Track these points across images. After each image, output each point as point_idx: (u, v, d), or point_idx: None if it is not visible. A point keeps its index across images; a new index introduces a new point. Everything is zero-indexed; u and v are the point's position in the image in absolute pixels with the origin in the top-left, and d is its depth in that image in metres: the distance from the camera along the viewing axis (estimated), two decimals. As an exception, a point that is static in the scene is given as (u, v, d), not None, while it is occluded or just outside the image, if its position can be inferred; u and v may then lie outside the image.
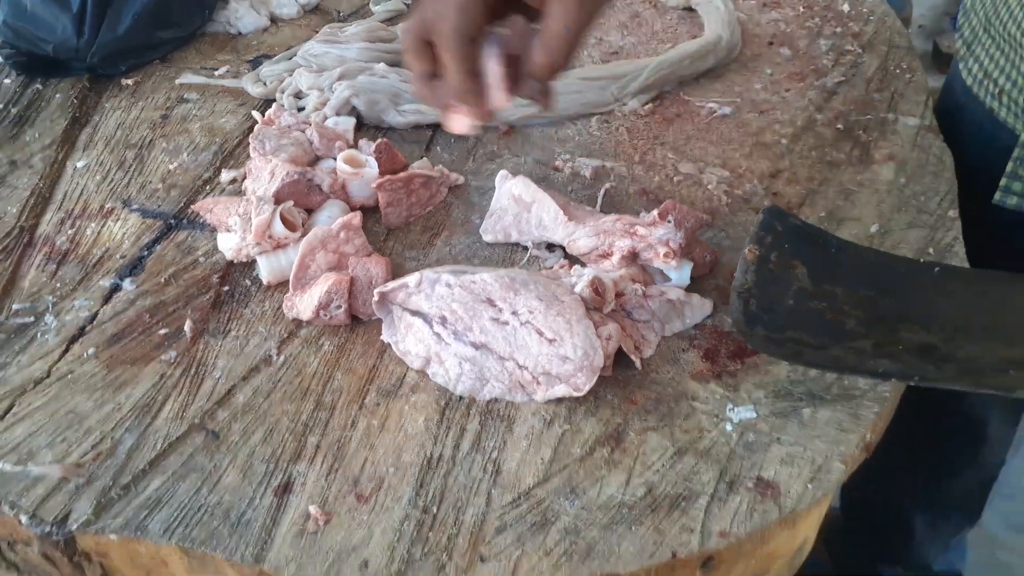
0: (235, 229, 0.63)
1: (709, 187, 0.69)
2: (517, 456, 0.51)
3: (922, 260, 0.58)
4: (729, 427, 0.53)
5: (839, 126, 0.75)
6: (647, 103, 0.78)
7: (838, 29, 0.87)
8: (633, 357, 0.55)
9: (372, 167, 0.67)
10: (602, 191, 0.69)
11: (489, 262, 0.64)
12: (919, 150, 0.72)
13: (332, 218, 0.61)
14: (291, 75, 0.82)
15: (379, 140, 0.69)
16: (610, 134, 0.75)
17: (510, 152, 0.74)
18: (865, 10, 0.89)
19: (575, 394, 0.53)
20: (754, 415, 0.53)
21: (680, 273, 0.60)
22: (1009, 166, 0.68)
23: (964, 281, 0.56)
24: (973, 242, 0.64)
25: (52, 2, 0.83)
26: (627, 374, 0.56)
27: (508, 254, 0.64)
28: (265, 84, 0.82)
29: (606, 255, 0.60)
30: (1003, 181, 0.68)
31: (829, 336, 0.52)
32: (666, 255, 0.58)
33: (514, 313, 0.54)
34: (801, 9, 0.90)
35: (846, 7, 0.89)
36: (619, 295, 0.58)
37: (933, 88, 0.80)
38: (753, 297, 0.52)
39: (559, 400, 0.54)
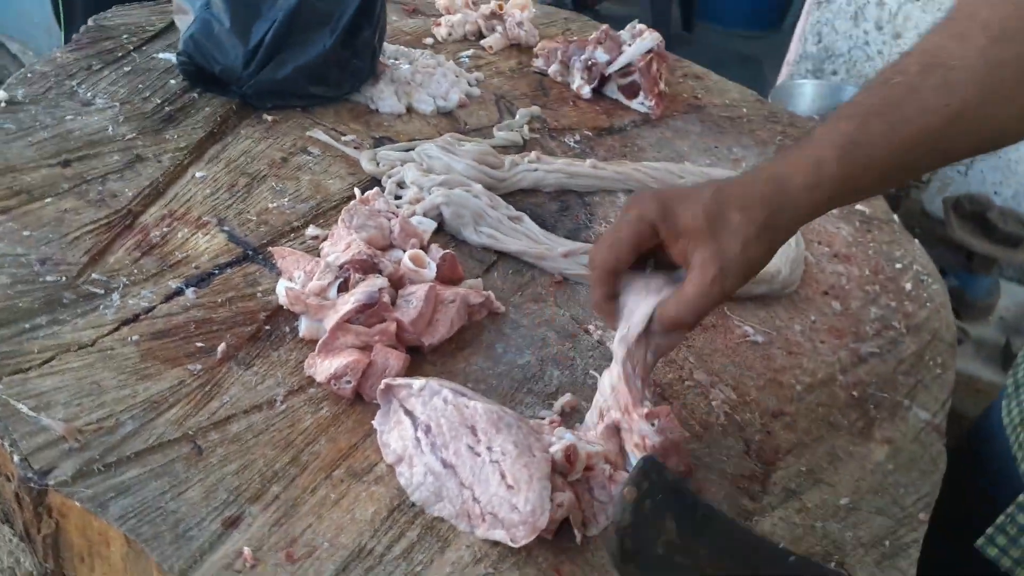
0: (296, 282, 0.71)
1: (713, 403, 0.74)
2: (437, 578, 0.56)
3: (781, 546, 0.61)
4: (633, 629, 0.56)
5: (854, 393, 0.79)
6: (692, 306, 0.84)
7: (892, 303, 0.91)
8: (576, 531, 0.60)
9: (431, 271, 0.74)
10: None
11: (493, 392, 0.70)
12: (918, 444, 0.75)
13: (369, 289, 0.68)
14: (402, 165, 0.91)
15: (446, 251, 0.77)
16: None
17: (554, 301, 0.80)
18: (925, 295, 0.93)
19: (511, 544, 0.57)
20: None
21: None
22: (1000, 518, 0.70)
23: None
24: (929, 553, 0.66)
25: (235, 33, 0.96)
26: (564, 544, 0.60)
27: (512, 391, 0.70)
28: (378, 164, 0.92)
29: (601, 415, 0.66)
30: (990, 529, 0.71)
31: None
32: (636, 446, 0.63)
33: (488, 448, 0.60)
34: (867, 272, 0.95)
35: (909, 286, 0.94)
36: (589, 468, 0.63)
37: (989, 382, 0.83)
38: (628, 536, 0.55)
39: (495, 543, 0.58)
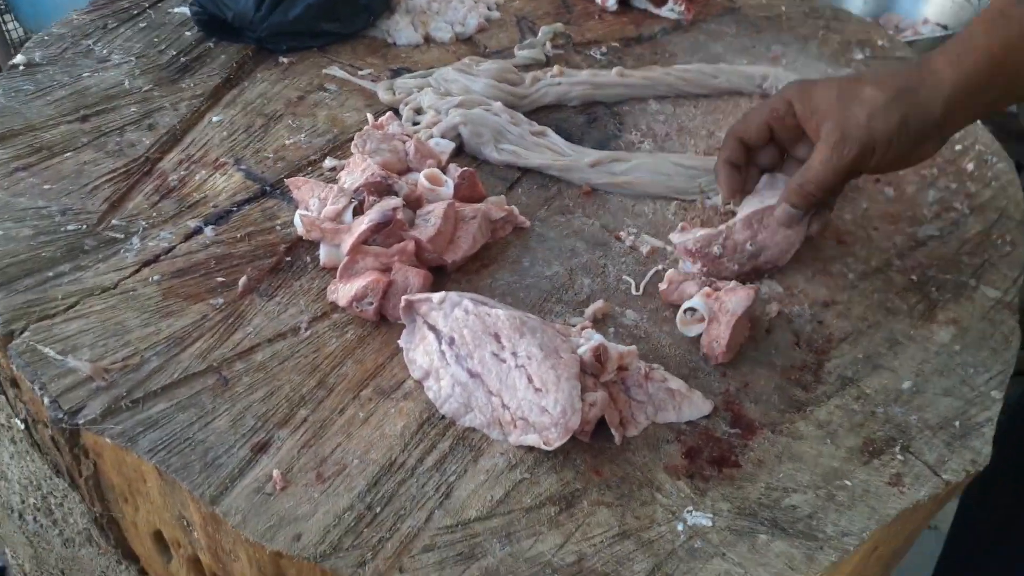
0: (312, 210, 0.69)
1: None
2: (471, 487, 0.54)
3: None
4: (680, 527, 0.54)
5: (913, 277, 0.74)
6: (728, 202, 0.79)
7: (953, 185, 0.85)
8: (615, 431, 0.57)
9: (448, 189, 0.72)
10: (651, 271, 0.71)
11: (521, 304, 0.67)
12: (987, 323, 0.70)
13: (383, 208, 0.66)
14: (419, 91, 0.89)
15: (465, 168, 0.74)
16: (682, 221, 0.77)
17: (583, 212, 0.77)
18: (989, 175, 0.86)
19: (544, 447, 0.55)
20: (710, 524, 0.54)
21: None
22: None
23: None
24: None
25: (243, -22, 0.94)
26: (603, 445, 0.57)
27: (541, 301, 0.68)
28: (394, 93, 0.89)
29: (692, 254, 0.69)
30: None
31: None
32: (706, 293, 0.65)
33: (513, 354, 0.57)
34: (924, 155, 0.89)
35: (971, 166, 0.87)
36: (622, 369, 0.60)
37: None
38: None
39: (530, 448, 0.56)
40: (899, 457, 0.59)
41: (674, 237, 0.72)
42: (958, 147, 0.91)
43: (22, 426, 0.64)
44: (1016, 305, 0.72)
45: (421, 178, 0.72)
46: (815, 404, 0.62)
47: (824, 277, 0.73)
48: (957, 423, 0.62)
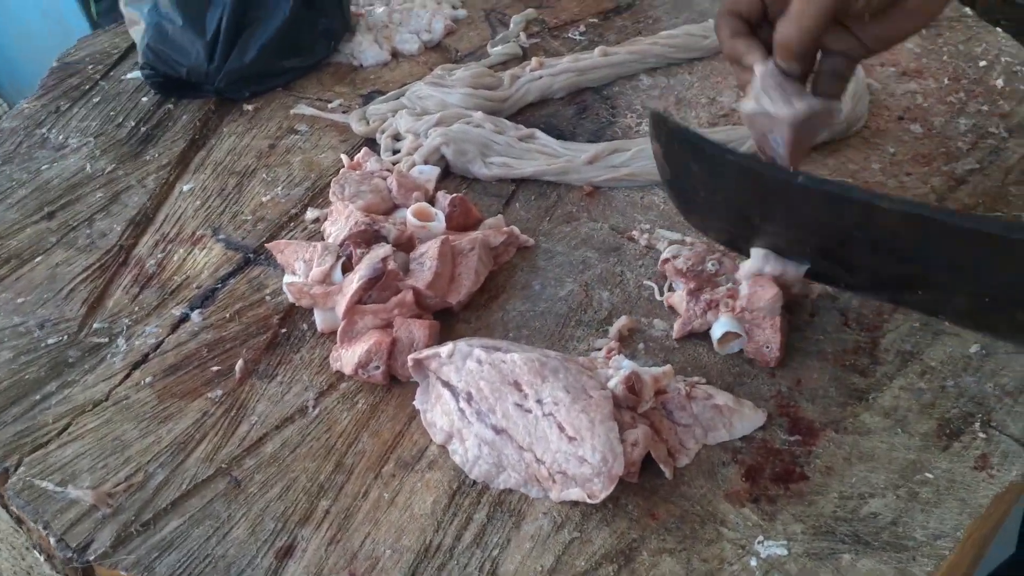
0: (299, 274, 0.64)
1: (794, 278, 0.64)
2: (517, 559, 0.49)
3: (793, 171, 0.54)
4: (754, 562, 0.48)
5: (959, 223, 0.67)
6: (746, 175, 0.73)
7: (984, 107, 0.77)
8: (664, 468, 0.52)
9: (439, 222, 0.67)
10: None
11: (539, 334, 0.62)
12: (1051, 261, 0.63)
13: (372, 262, 0.61)
14: (394, 115, 0.83)
15: (454, 195, 0.69)
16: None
17: (588, 216, 0.71)
18: (1023, 87, 0.79)
19: (589, 501, 0.50)
20: (786, 552, 0.49)
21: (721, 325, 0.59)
22: None
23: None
24: None
25: (190, 29, 0.89)
26: (655, 482, 0.52)
27: (559, 327, 0.62)
28: (368, 123, 0.84)
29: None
30: None
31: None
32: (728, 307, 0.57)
33: (538, 401, 0.52)
34: (946, 81, 0.81)
35: (1000, 82, 0.80)
36: (660, 392, 0.55)
37: None
38: (677, 188, 0.60)
39: (575, 503, 0.51)
40: (981, 435, 0.53)
41: (666, 251, 0.64)
42: (982, 63, 0.83)
43: (42, 558, 0.61)
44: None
45: (409, 216, 0.66)
46: (877, 390, 0.56)
47: (861, 241, 0.66)
48: (1039, 383, 0.55)
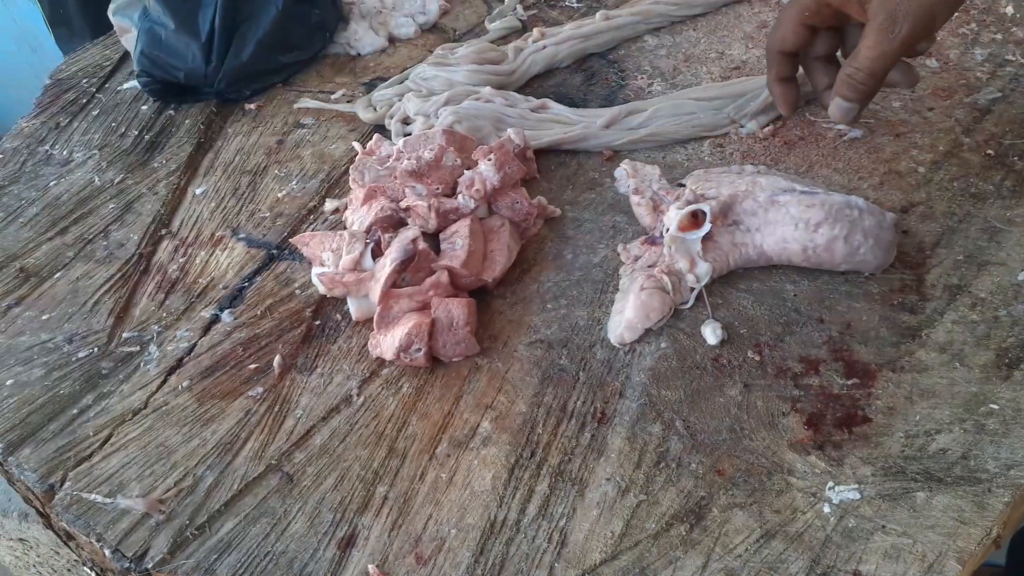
0: (328, 264, 0.63)
1: (829, 223, 0.63)
2: (586, 527, 0.48)
3: None
4: (827, 509, 0.47)
5: (989, 151, 0.66)
6: (767, 125, 0.72)
7: (998, 36, 0.76)
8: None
9: (465, 201, 0.65)
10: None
11: (578, 302, 0.61)
12: (1089, 181, 0.62)
13: (403, 244, 0.59)
14: (401, 100, 0.82)
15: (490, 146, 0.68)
16: (723, 160, 0.70)
17: (612, 180, 0.70)
18: (1034, 12, 0.78)
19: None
20: (858, 496, 0.48)
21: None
22: None
23: None
24: None
25: (183, 32, 0.87)
26: (716, 439, 0.51)
27: (598, 294, 0.61)
28: (375, 109, 0.82)
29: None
30: None
31: None
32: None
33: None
34: (956, 13, 0.80)
35: (1010, 10, 0.78)
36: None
37: None
38: None
39: (637, 464, 0.50)
40: (1041, 360, 0.52)
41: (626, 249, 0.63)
42: (989, -7, 0.82)
43: (93, 574, 0.60)
44: (1113, 151, 0.64)
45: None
46: (929, 326, 0.56)
47: (893, 178, 0.65)
48: (1092, 304, 0.54)
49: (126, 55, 0.98)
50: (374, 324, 0.60)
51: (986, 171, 0.64)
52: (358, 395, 0.58)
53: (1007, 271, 0.57)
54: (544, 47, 0.84)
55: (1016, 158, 0.65)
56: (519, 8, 0.94)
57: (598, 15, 0.86)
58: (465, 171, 0.65)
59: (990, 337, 0.54)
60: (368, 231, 0.63)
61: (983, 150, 0.66)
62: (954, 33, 0.78)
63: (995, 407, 0.50)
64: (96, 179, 0.79)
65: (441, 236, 0.63)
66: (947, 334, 0.55)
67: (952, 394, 0.52)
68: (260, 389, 0.59)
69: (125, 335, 0.64)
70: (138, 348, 0.63)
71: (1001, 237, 0.60)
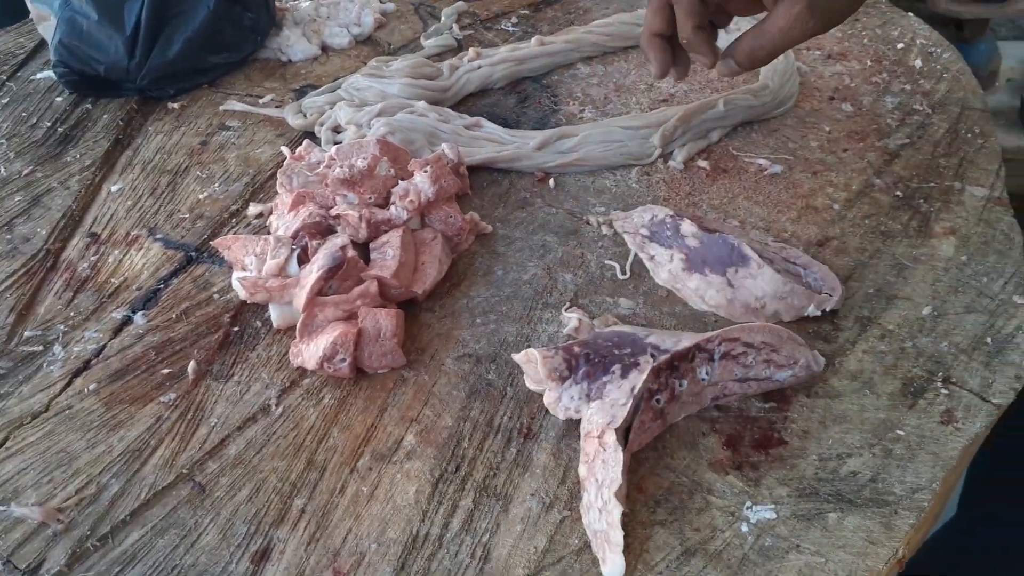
0: (250, 269, 0.61)
1: (750, 253, 0.65)
2: (509, 542, 0.48)
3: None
4: (745, 528, 0.48)
5: (898, 193, 0.70)
6: (692, 157, 0.74)
7: (907, 86, 0.81)
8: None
9: (397, 211, 0.65)
10: (632, 255, 0.65)
11: (507, 318, 0.61)
12: (985, 225, 0.66)
13: (331, 251, 0.58)
14: (332, 108, 0.81)
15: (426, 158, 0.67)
16: (649, 188, 0.72)
17: (543, 201, 0.71)
18: (939, 67, 0.83)
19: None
20: (774, 516, 0.49)
21: None
22: None
23: None
24: None
25: (107, 23, 0.84)
26: (639, 456, 0.52)
27: (527, 311, 0.61)
28: (305, 116, 0.81)
29: None
30: None
31: None
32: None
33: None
34: (869, 63, 0.85)
35: (918, 63, 0.84)
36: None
37: (1017, 148, 0.74)
38: None
39: (561, 481, 0.50)
40: (943, 391, 0.55)
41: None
42: (900, 45, 0.87)
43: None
44: (1006, 199, 0.69)
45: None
46: (842, 355, 0.58)
47: (810, 213, 0.68)
48: (988, 339, 0.58)
49: (42, 43, 0.94)
50: (297, 332, 0.58)
51: (895, 211, 0.68)
52: (277, 405, 0.56)
53: (913, 305, 0.61)
54: (479, 67, 0.84)
55: (922, 200, 0.69)
56: (455, 27, 0.95)
57: (533, 40, 0.88)
58: (400, 182, 0.65)
59: (897, 367, 0.57)
60: (295, 236, 0.61)
61: (892, 191, 0.70)
62: (867, 81, 0.82)
63: (901, 433, 0.53)
64: (2, 169, 0.75)
65: (372, 246, 0.62)
66: (858, 363, 0.57)
67: (862, 420, 0.54)
68: (173, 395, 0.56)
69: (27, 334, 0.61)
70: (41, 348, 0.60)
71: (908, 273, 0.63)
